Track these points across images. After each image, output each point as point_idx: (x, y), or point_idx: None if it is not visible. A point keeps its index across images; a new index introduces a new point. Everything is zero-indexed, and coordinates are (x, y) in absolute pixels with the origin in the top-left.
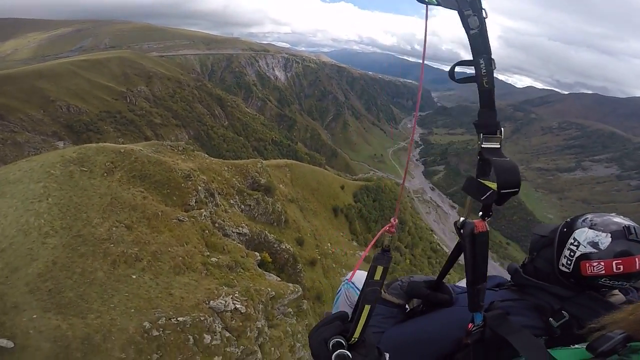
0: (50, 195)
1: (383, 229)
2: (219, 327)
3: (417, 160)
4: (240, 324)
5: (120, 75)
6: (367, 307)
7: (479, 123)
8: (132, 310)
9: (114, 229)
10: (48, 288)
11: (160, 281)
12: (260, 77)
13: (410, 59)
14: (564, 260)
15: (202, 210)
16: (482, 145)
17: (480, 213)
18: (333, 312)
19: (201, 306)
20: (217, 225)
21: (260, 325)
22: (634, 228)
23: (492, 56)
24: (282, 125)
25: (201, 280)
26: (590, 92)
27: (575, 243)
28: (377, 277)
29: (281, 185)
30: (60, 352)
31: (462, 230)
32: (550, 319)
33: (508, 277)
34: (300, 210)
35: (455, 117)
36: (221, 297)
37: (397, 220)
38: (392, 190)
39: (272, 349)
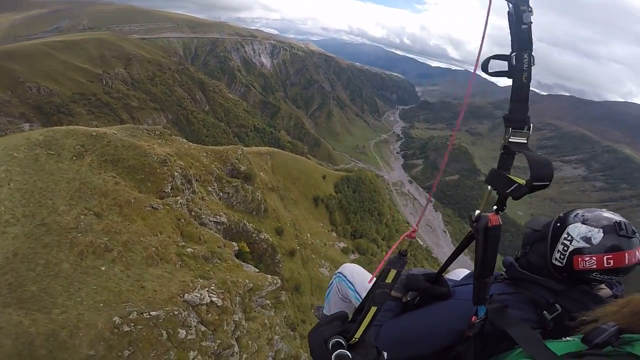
0: (12, 179)
1: (404, 234)
2: (194, 321)
3: (397, 153)
4: (217, 317)
5: (98, 57)
6: (373, 309)
7: (510, 117)
8: (101, 304)
9: (82, 217)
10: (8, 281)
11: (132, 273)
12: (245, 62)
13: (398, 52)
14: (557, 255)
15: (178, 197)
16: (510, 140)
17: (495, 207)
18: (325, 304)
19: (175, 300)
20: (193, 213)
21: (237, 319)
22: (625, 224)
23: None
24: (265, 113)
25: (175, 272)
26: (567, 94)
27: (569, 238)
28: (389, 280)
29: (262, 173)
30: (23, 349)
31: (475, 224)
32: (544, 312)
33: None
34: (281, 199)
35: (436, 113)
36: (196, 290)
37: (418, 227)
38: (372, 181)
39: (250, 342)
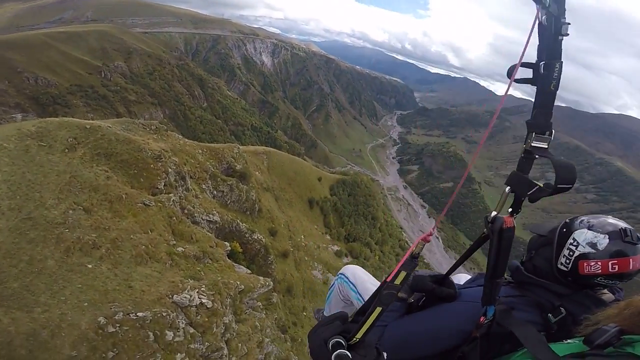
0: (0, 171)
1: (420, 237)
2: (182, 322)
3: (393, 158)
4: (206, 319)
5: (98, 49)
6: (378, 310)
7: (534, 123)
8: (85, 303)
9: (70, 211)
10: None
11: (119, 272)
12: (246, 60)
13: (399, 57)
14: (562, 260)
15: (171, 194)
16: (532, 144)
17: (510, 209)
18: (326, 305)
19: (163, 300)
20: (186, 211)
21: (227, 321)
22: (630, 230)
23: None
24: (263, 112)
25: (165, 271)
26: (563, 104)
27: (575, 243)
28: (398, 281)
29: (257, 173)
30: (1, 349)
31: (491, 225)
32: (549, 314)
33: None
34: (275, 199)
35: (433, 119)
36: (186, 291)
37: (435, 231)
38: (368, 185)
39: (240, 344)
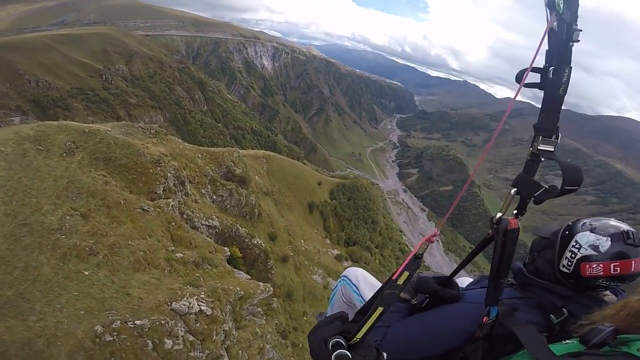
0: None
1: (424, 238)
2: (181, 330)
3: (392, 161)
4: (206, 326)
5: (100, 52)
6: (379, 310)
7: (541, 126)
8: (82, 311)
9: (67, 217)
10: None
11: (117, 279)
12: (246, 64)
13: (399, 60)
14: (564, 262)
15: (170, 199)
16: (539, 147)
17: (515, 211)
18: (329, 308)
19: (162, 308)
20: (185, 216)
21: (227, 328)
22: (632, 233)
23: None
24: (263, 115)
25: (163, 278)
26: (562, 107)
27: (577, 246)
28: (401, 281)
29: (257, 177)
30: None
31: (496, 226)
32: (551, 315)
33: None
34: (275, 204)
35: (433, 122)
36: (185, 298)
37: (439, 232)
38: (368, 189)
39: (240, 352)
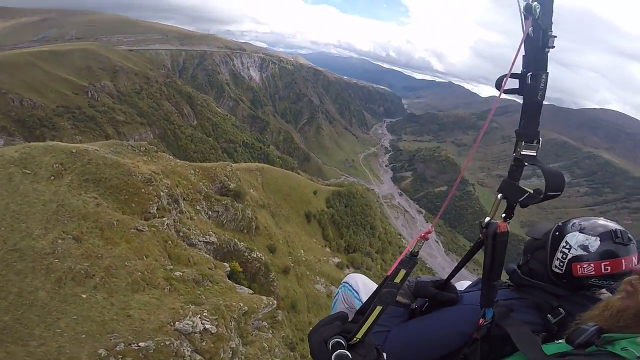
0: None
1: (419, 235)
2: (187, 350)
3: (386, 166)
4: (212, 345)
5: (84, 68)
6: (378, 309)
7: (522, 132)
8: (83, 335)
9: (59, 241)
10: None
11: (116, 300)
12: (234, 76)
13: (385, 65)
14: (556, 262)
15: (165, 218)
16: (522, 152)
17: (503, 215)
18: None
19: (165, 328)
20: (181, 234)
21: (234, 345)
22: (620, 232)
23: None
24: (254, 127)
25: (164, 298)
26: (546, 102)
27: (567, 246)
28: (398, 280)
29: (252, 190)
30: None
31: (485, 230)
32: (548, 315)
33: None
34: (272, 216)
35: (423, 125)
36: (188, 317)
37: (433, 229)
38: (363, 195)
39: None
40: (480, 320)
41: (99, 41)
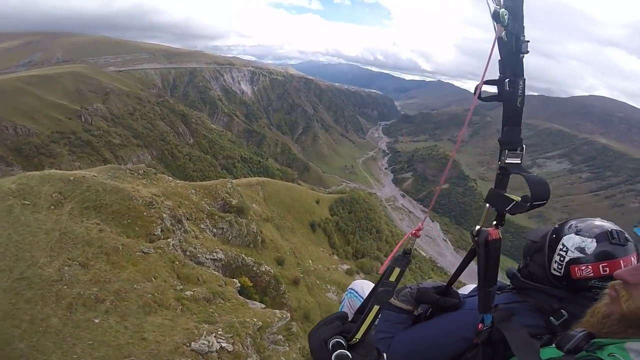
0: None
1: (409, 232)
2: None
3: (385, 169)
4: None
5: (74, 91)
6: (375, 308)
7: (505, 140)
8: None
9: (65, 268)
10: None
11: (129, 324)
12: (225, 91)
13: (374, 68)
14: (555, 265)
15: (170, 239)
16: (507, 161)
17: (494, 222)
18: None
19: (182, 349)
20: (188, 253)
21: None
22: (616, 232)
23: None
24: (250, 141)
25: (177, 318)
26: (535, 93)
27: (564, 249)
28: (393, 278)
29: (254, 205)
30: None
31: (477, 238)
32: (551, 318)
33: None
34: (277, 228)
35: (417, 125)
36: (203, 337)
37: (423, 226)
38: (366, 200)
39: None
40: (479, 326)
41: (86, 63)
